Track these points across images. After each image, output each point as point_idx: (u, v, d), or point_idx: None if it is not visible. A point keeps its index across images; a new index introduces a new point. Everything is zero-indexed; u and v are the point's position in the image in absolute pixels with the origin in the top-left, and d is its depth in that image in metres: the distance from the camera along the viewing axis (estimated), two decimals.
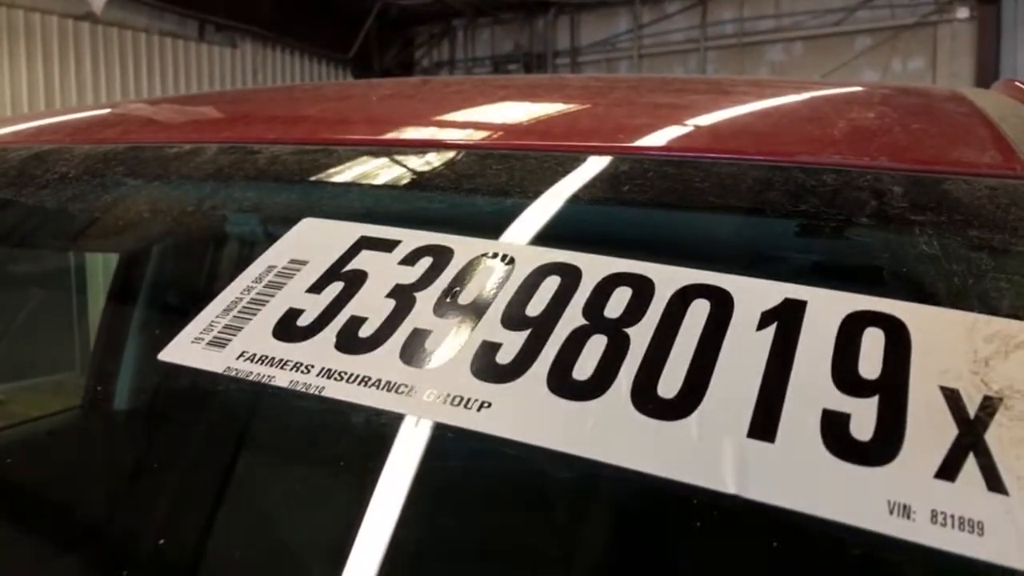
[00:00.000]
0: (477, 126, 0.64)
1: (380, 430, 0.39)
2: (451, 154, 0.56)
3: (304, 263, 0.45)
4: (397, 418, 0.37)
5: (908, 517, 0.28)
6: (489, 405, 0.35)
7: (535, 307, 0.39)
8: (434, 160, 0.56)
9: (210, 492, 1.14)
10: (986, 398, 0.31)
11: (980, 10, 6.15)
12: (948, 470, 0.29)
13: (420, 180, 0.55)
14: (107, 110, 1.08)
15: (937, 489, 0.29)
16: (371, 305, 0.41)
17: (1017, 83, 0.68)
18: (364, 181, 0.56)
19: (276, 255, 0.46)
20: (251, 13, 7.16)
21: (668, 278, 0.39)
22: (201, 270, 0.95)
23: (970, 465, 0.29)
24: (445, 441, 0.37)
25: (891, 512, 0.28)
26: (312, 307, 0.42)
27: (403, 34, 8.57)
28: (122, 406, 1.40)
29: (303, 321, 0.41)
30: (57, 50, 6.04)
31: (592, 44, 7.94)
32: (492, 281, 0.41)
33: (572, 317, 0.38)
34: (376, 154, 0.59)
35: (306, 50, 7.87)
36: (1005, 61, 6.19)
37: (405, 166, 0.57)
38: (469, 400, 0.35)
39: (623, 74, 6.66)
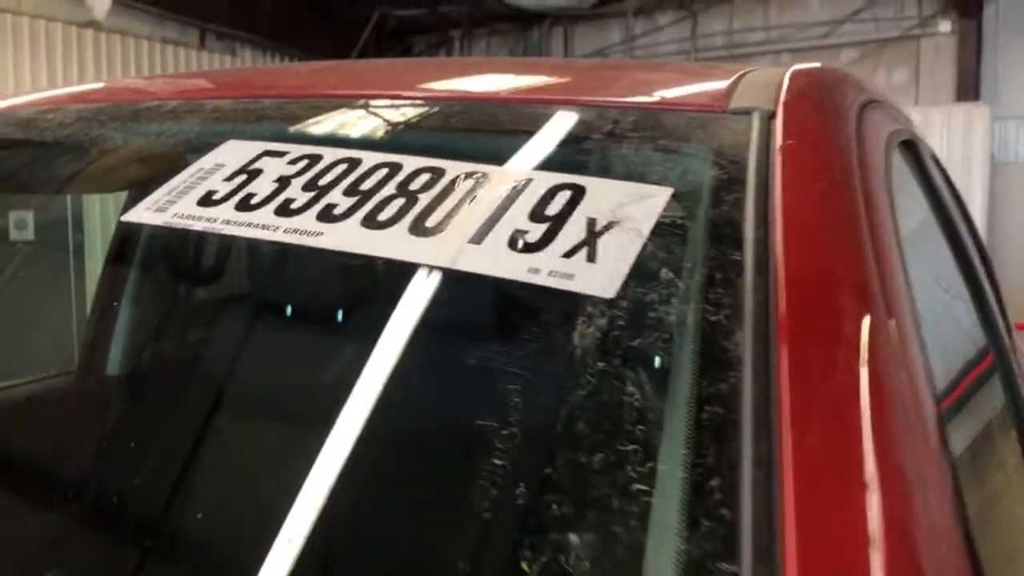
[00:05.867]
0: (349, 86, 0.93)
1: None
2: (332, 103, 0.84)
3: (223, 165, 0.65)
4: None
5: (536, 273, 0.49)
6: (322, 234, 0.56)
7: (367, 184, 0.59)
8: (320, 107, 0.82)
9: (183, 437, 1.28)
10: (610, 223, 0.51)
11: (961, 24, 6.30)
12: (568, 252, 0.49)
13: (305, 117, 0.80)
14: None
15: (559, 261, 0.49)
16: (263, 186, 0.61)
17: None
18: (271, 118, 0.81)
19: (205, 160, 0.66)
20: (251, 22, 7.32)
21: (456, 168, 0.61)
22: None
23: (583, 251, 0.49)
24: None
25: (528, 271, 0.49)
26: (223, 188, 0.62)
27: (401, 44, 8.74)
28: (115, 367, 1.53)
29: (216, 196, 0.61)
30: (61, 56, 6.19)
31: (586, 54, 8.10)
32: (341, 172, 0.61)
33: (388, 189, 0.58)
34: (280, 106, 0.85)
35: (305, 58, 8.03)
36: (986, 72, 6.34)
37: (297, 111, 0.82)
38: (310, 232, 0.56)
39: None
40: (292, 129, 0.77)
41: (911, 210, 0.99)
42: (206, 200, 0.59)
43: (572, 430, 0.47)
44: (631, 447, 0.44)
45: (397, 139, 0.70)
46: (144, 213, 0.60)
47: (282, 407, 1.14)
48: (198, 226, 0.57)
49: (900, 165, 0.86)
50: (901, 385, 0.43)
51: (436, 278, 0.50)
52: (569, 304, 0.48)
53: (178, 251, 1.51)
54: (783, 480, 0.37)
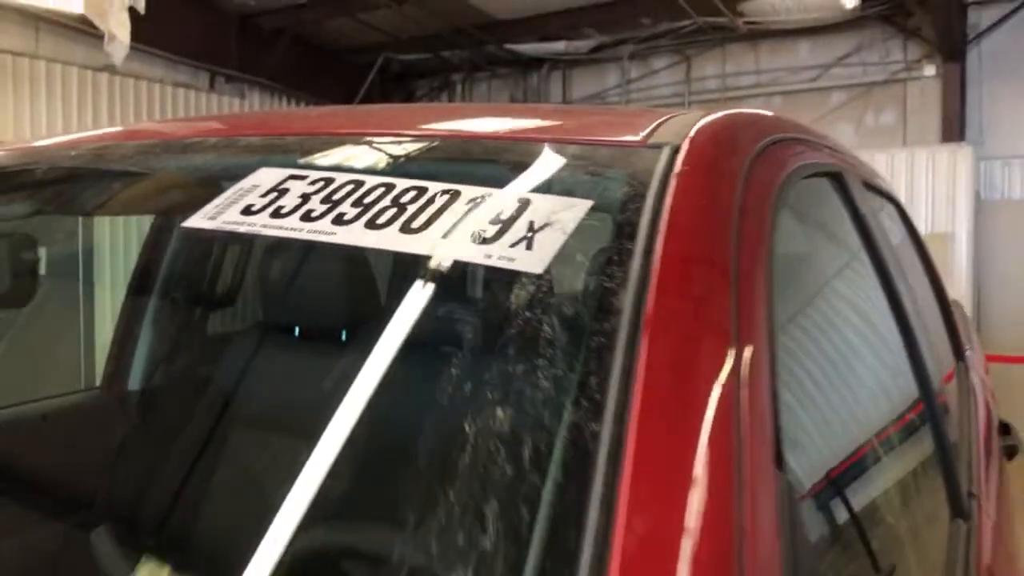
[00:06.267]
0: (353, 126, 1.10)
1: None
2: (340, 139, 1.02)
3: (258, 186, 0.81)
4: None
5: (489, 257, 0.62)
6: (335, 234, 0.71)
7: (369, 199, 0.74)
8: (330, 142, 1.00)
9: (196, 447, 1.41)
10: (544, 224, 0.66)
11: (945, 68, 6.51)
12: (514, 244, 0.64)
13: (320, 150, 0.97)
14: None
15: (506, 250, 0.64)
16: (290, 201, 0.76)
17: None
18: (293, 152, 0.96)
19: (244, 183, 0.82)
20: (259, 66, 7.58)
21: (435, 187, 0.76)
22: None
23: (523, 243, 0.64)
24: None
25: (484, 256, 0.63)
26: (259, 202, 0.77)
27: (404, 87, 9.00)
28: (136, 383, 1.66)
29: (254, 208, 0.76)
30: (76, 99, 6.43)
31: (583, 97, 8.34)
32: (349, 190, 0.77)
33: (384, 202, 0.74)
34: (300, 141, 1.02)
35: (311, 101, 8.29)
36: (970, 114, 6.53)
37: (313, 145, 0.98)
38: (327, 232, 0.70)
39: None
40: (310, 159, 0.94)
41: (817, 233, 1.12)
42: (247, 211, 0.74)
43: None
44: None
45: (391, 166, 0.87)
46: (200, 220, 0.75)
47: (286, 418, 1.27)
48: (242, 229, 0.72)
49: (808, 197, 0.99)
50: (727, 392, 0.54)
51: (415, 302, 0.64)
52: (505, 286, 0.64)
53: (195, 278, 1.66)
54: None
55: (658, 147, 0.75)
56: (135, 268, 1.69)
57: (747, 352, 0.56)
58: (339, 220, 0.69)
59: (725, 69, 7.63)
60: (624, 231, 0.63)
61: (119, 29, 3.93)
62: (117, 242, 4.14)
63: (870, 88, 6.99)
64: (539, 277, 0.62)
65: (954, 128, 6.39)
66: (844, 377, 1.02)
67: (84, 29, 6.15)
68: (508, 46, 7.89)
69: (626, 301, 0.55)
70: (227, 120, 1.46)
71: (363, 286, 1.38)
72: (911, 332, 1.23)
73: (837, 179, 1.16)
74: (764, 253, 0.64)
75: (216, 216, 0.74)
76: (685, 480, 0.47)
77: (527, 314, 0.60)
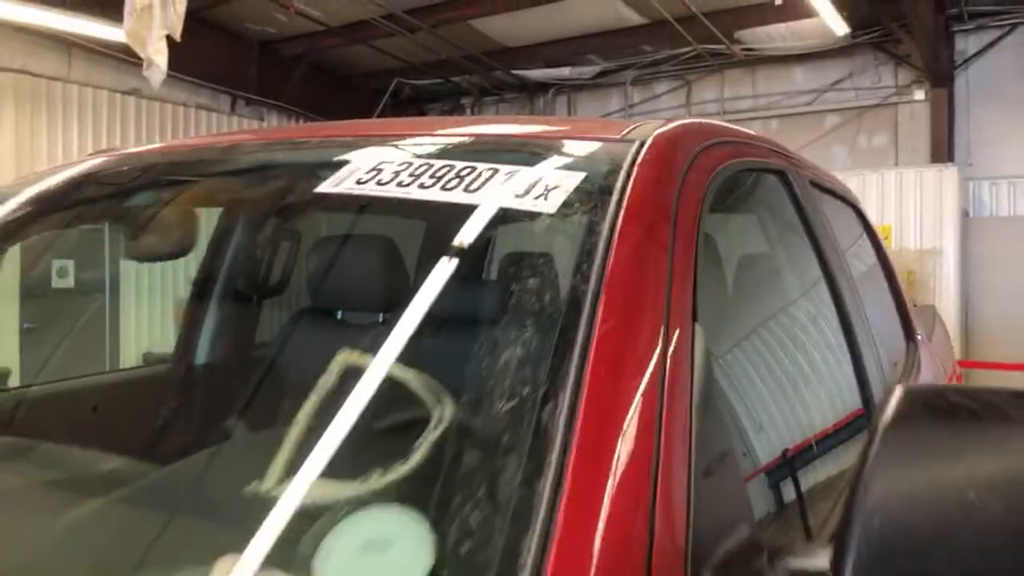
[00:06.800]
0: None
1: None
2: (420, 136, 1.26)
3: (359, 168, 1.03)
4: None
5: (521, 203, 0.85)
6: (421, 195, 0.94)
7: (440, 173, 0.97)
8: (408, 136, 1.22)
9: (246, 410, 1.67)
10: (556, 185, 0.90)
11: (934, 93, 6.80)
12: (536, 198, 0.87)
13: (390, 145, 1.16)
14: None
15: (532, 201, 0.87)
16: (386, 176, 0.98)
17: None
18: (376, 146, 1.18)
19: (351, 165, 1.04)
20: (277, 89, 7.93)
21: (483, 167, 0.98)
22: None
23: (542, 197, 0.87)
24: None
25: (517, 202, 0.86)
26: (366, 177, 0.99)
27: (416, 110, 9.35)
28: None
29: (362, 180, 0.98)
30: (106, 121, 6.77)
31: None
32: (426, 168, 0.99)
33: (450, 175, 0.96)
34: (382, 140, 1.24)
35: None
36: (959, 136, 6.80)
37: (389, 143, 1.19)
38: (413, 196, 0.94)
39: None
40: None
41: (753, 219, 1.38)
42: (359, 182, 0.98)
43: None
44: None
45: (449, 154, 1.08)
46: (328, 187, 0.99)
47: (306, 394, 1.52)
48: (356, 191, 0.96)
49: (748, 186, 1.25)
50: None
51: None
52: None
53: (251, 270, 1.94)
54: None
55: (630, 142, 1.01)
56: (202, 261, 1.96)
57: (677, 310, 0.78)
58: (422, 187, 0.92)
59: (724, 93, 7.94)
60: (602, 192, 0.87)
61: (157, 56, 4.24)
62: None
63: (862, 111, 7.28)
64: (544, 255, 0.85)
65: (943, 149, 6.67)
66: (771, 355, 1.24)
67: (113, 55, 6.50)
68: (516, 71, 8.23)
69: (603, 232, 0.79)
70: (310, 128, 1.70)
71: (395, 273, 1.63)
72: (847, 313, 1.47)
73: (781, 176, 1.42)
74: (692, 226, 0.90)
75: (339, 184, 0.98)
76: (620, 417, 0.62)
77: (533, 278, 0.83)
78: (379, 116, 8.72)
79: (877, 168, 6.56)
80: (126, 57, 6.46)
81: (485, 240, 0.86)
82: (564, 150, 1.02)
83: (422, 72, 8.35)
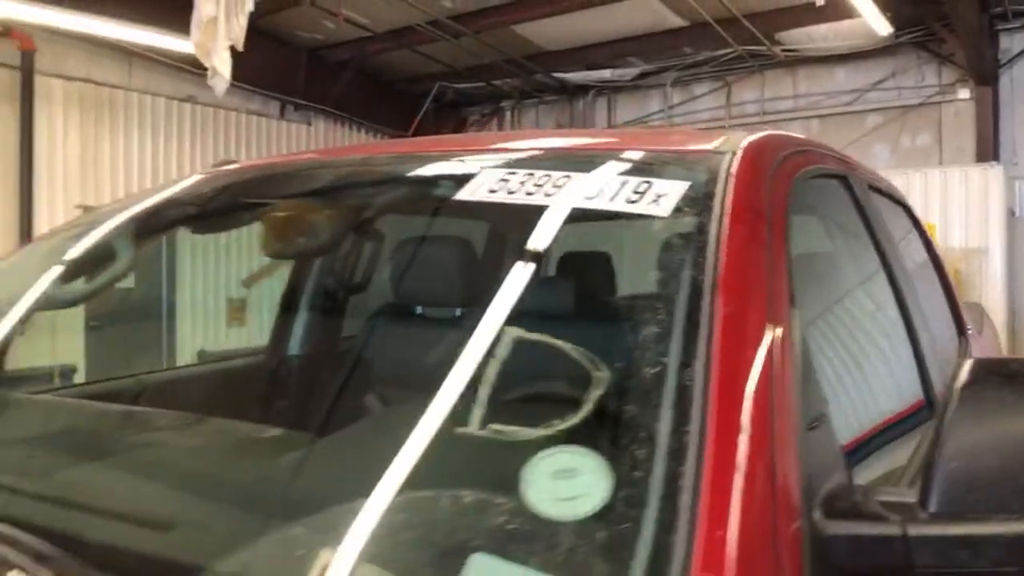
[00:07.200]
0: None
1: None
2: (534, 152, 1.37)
3: (486, 181, 1.14)
4: None
5: (634, 208, 0.97)
6: (552, 201, 1.06)
7: (556, 184, 1.08)
8: (521, 152, 1.31)
9: (335, 397, 1.82)
10: (666, 193, 1.02)
11: (978, 92, 6.78)
12: (648, 203, 0.99)
13: (506, 158, 1.29)
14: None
15: (645, 206, 0.99)
16: (514, 187, 1.10)
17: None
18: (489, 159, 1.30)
19: (479, 178, 1.15)
20: (324, 95, 8.15)
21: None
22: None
23: (654, 202, 0.99)
24: None
25: (629, 207, 0.98)
26: (497, 186, 1.10)
27: (457, 114, 9.52)
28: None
29: (492, 189, 1.10)
30: (163, 126, 7.05)
31: (627, 122, 8.76)
32: (547, 179, 1.10)
33: (567, 184, 1.08)
34: (499, 153, 1.34)
35: (371, 128, 8.85)
36: (1004, 135, 6.78)
37: (510, 156, 1.32)
38: (544, 201, 1.05)
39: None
40: (507, 163, 1.28)
41: (824, 220, 1.49)
42: (491, 191, 1.09)
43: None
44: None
45: (566, 165, 1.17)
46: (464, 195, 1.11)
47: (408, 377, 1.66)
48: (493, 198, 1.08)
49: (819, 190, 1.37)
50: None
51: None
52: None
53: (338, 270, 2.10)
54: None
55: (722, 153, 1.13)
56: (294, 263, 2.13)
57: (780, 304, 0.90)
58: (547, 195, 1.03)
59: (764, 94, 7.99)
60: (706, 201, 0.98)
61: (222, 65, 4.45)
62: None
63: (905, 111, 7.28)
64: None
65: (988, 148, 6.65)
66: (846, 344, 1.35)
67: (171, 63, 6.77)
68: (556, 74, 8.36)
69: (712, 232, 0.91)
70: (423, 143, 1.82)
71: (472, 270, 1.77)
72: (908, 308, 1.58)
73: (843, 181, 1.54)
74: (782, 226, 1.02)
75: (474, 193, 1.09)
76: (743, 382, 0.75)
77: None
78: (421, 119, 8.91)
79: (921, 167, 6.57)
80: (183, 66, 6.72)
81: (613, 239, 0.99)
82: (665, 161, 1.15)
83: (464, 76, 8.51)
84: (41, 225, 6.21)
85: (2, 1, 5.16)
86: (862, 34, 6.63)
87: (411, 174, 1.39)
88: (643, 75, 8.34)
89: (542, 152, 1.32)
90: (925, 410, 1.44)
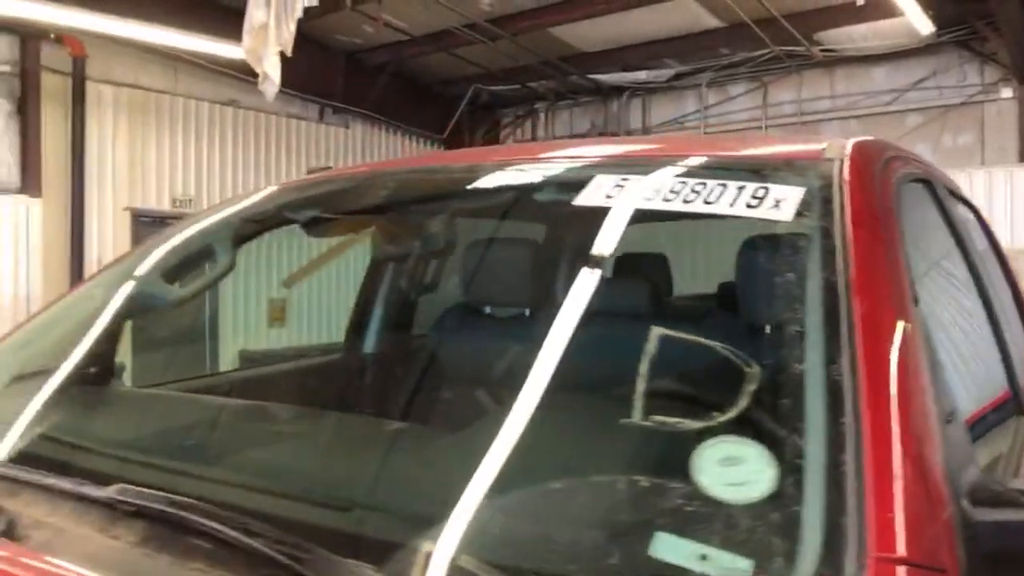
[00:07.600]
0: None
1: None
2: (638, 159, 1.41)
3: (603, 185, 1.17)
4: None
5: (754, 212, 1.03)
6: (671, 208, 1.11)
7: (673, 189, 1.13)
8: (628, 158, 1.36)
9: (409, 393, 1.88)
10: (784, 198, 1.06)
11: (1021, 90, 6.71)
12: (769, 207, 1.03)
13: (622, 164, 1.34)
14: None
15: (767, 211, 1.03)
16: (634, 192, 1.14)
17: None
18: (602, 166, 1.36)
19: (596, 182, 1.19)
20: (362, 98, 8.25)
21: (713, 182, 1.14)
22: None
23: (774, 207, 1.04)
24: None
25: (749, 212, 1.04)
26: (613, 192, 1.14)
27: (491, 116, 9.58)
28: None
29: (608, 195, 1.14)
30: (206, 129, 7.19)
31: (662, 123, 8.76)
32: (663, 184, 1.15)
33: (683, 190, 1.13)
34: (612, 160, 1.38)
35: (407, 130, 8.95)
36: None
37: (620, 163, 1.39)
38: (661, 207, 1.11)
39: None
40: (625, 168, 1.31)
41: (918, 222, 1.52)
42: (608, 196, 1.12)
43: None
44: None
45: (681, 171, 1.22)
46: (584, 200, 1.15)
47: (481, 374, 1.71)
48: (614, 203, 1.11)
49: (911, 193, 1.40)
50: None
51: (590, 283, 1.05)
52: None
53: (409, 272, 2.16)
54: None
55: (831, 160, 1.16)
56: (368, 266, 2.19)
57: (909, 305, 0.93)
58: (665, 200, 1.08)
59: (801, 95, 7.95)
60: (824, 207, 1.02)
61: (272, 70, 4.55)
62: None
63: (946, 110, 7.21)
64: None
65: None
66: (951, 341, 1.39)
67: (214, 68, 6.90)
68: (591, 76, 8.39)
69: (838, 233, 0.95)
70: (527, 148, 1.88)
71: (541, 271, 1.81)
72: (992, 306, 1.62)
73: (927, 184, 1.57)
74: (894, 228, 1.05)
75: (591, 198, 1.13)
76: (886, 371, 0.79)
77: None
78: (456, 122, 8.98)
79: (964, 167, 6.51)
80: (225, 70, 6.86)
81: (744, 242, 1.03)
82: (777, 167, 1.18)
83: (499, 78, 8.57)
84: (91, 227, 6.36)
85: (56, 9, 5.31)
86: (903, 33, 6.58)
87: (537, 181, 1.44)
88: (678, 76, 8.33)
89: (654, 158, 1.36)
90: (1012, 401, 1.48)
